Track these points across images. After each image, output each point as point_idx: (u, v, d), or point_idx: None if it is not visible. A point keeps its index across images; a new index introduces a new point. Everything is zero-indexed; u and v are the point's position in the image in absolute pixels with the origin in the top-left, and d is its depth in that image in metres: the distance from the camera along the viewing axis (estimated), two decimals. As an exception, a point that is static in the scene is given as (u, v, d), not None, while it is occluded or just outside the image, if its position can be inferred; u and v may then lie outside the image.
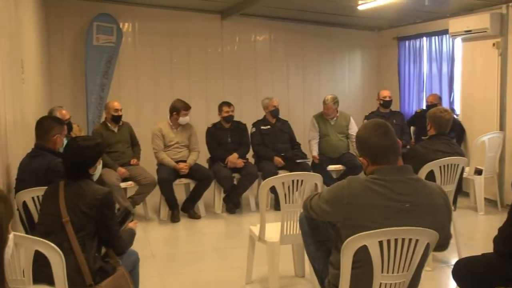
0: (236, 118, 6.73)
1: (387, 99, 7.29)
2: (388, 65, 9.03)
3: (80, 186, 2.90)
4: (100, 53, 7.47)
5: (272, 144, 6.76)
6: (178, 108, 6.27)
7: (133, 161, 6.23)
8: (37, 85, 5.89)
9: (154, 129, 6.37)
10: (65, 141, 3.79)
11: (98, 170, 3.16)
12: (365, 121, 7.14)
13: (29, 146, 4.07)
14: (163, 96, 7.88)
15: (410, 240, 2.38)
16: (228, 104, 6.63)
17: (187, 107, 6.30)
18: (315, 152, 6.94)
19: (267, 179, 4.00)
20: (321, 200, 2.62)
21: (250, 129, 6.85)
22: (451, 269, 3.10)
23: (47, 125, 3.78)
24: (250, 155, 6.87)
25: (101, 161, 3.17)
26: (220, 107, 6.63)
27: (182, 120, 6.30)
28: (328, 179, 6.30)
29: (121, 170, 5.97)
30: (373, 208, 2.40)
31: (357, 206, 2.42)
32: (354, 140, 6.80)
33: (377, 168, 2.49)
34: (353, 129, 6.98)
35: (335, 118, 7.01)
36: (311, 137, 7.07)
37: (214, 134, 6.62)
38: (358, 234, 2.36)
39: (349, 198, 2.43)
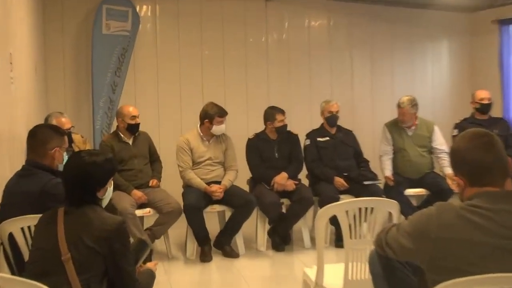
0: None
1: (486, 102, 7.17)
2: (485, 57, 8.90)
3: (85, 214, 2.91)
4: (111, 45, 7.57)
5: (331, 160, 6.73)
6: (211, 114, 6.29)
7: (153, 182, 6.28)
8: (30, 85, 5.97)
9: (180, 141, 6.40)
10: (65, 157, 3.81)
11: (108, 193, 3.17)
12: (455, 130, 7.10)
13: (18, 162, 4.10)
14: (191, 98, 7.98)
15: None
16: (281, 110, 6.66)
17: (222, 113, 6.32)
18: (389, 172, 6.87)
19: (325, 207, 3.95)
20: (400, 234, 2.57)
21: (303, 141, 6.86)
22: None
23: (43, 136, 3.79)
24: (303, 175, 6.87)
25: (112, 182, 3.19)
26: (271, 114, 6.65)
27: (217, 129, 6.32)
28: (406, 207, 6.20)
29: (137, 193, 6.00)
30: (471, 246, 2.33)
31: (449, 243, 2.36)
32: (440, 155, 6.85)
33: (477, 192, 2.43)
34: (438, 141, 6.91)
35: (413, 127, 6.93)
36: (382, 151, 7.01)
37: (257, 148, 6.64)
38: (451, 281, 2.29)
39: (438, 232, 2.38)
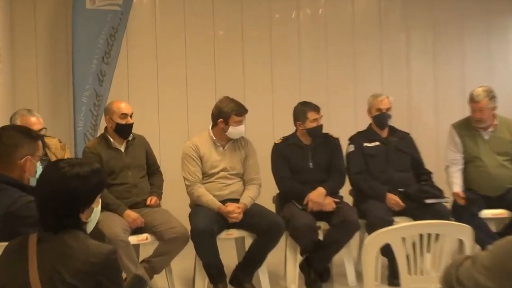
0: (323, 129, 6.77)
1: None
2: None
3: (65, 242, 2.90)
4: (97, 23, 7.59)
5: (382, 172, 6.74)
6: (227, 112, 6.29)
7: (151, 199, 6.29)
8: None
9: (187, 147, 6.41)
10: (39, 168, 3.81)
11: (94, 215, 3.18)
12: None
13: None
14: (201, 92, 8.07)
15: None
16: (315, 107, 6.66)
17: (241, 111, 6.33)
18: (458, 187, 6.83)
19: (375, 232, 3.95)
20: (477, 269, 2.53)
21: (345, 147, 6.87)
22: None
23: (10, 140, 3.80)
24: (345, 190, 6.90)
25: (99, 201, 3.19)
26: (303, 112, 6.66)
27: (234, 131, 6.32)
28: (482, 233, 6.15)
29: (131, 215, 6.00)
30: None
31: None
32: None
33: None
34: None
35: (491, 129, 6.89)
36: (449, 161, 7.00)
37: (286, 155, 6.66)
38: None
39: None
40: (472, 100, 6.78)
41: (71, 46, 7.54)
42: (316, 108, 6.64)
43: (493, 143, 6.85)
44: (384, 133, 6.85)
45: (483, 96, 6.73)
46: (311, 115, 6.59)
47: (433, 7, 8.92)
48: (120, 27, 7.73)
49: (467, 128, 6.91)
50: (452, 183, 6.87)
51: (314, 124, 6.59)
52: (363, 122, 7.05)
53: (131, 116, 6.23)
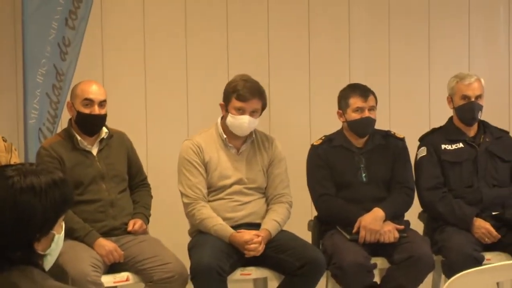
0: (381, 125, 6.79)
1: None
2: None
3: (12, 285, 2.87)
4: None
5: (469, 187, 6.72)
6: (228, 93, 6.32)
7: (135, 223, 6.26)
8: None
9: (186, 148, 6.41)
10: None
11: (56, 245, 3.13)
12: None
13: None
14: (207, 76, 8.01)
15: None
16: (362, 90, 6.64)
17: (248, 93, 6.27)
18: None
19: (459, 274, 3.86)
20: None
21: (414, 150, 6.87)
22: None
23: None
24: (413, 213, 6.86)
25: (62, 225, 3.14)
26: (344, 97, 6.66)
27: (233, 122, 6.31)
28: None
29: (106, 245, 5.98)
30: None
31: None
32: None
33: None
34: None
35: None
36: None
37: (329, 163, 6.65)
38: None
39: None
40: None
41: (22, 9, 7.48)
42: (364, 93, 6.61)
43: None
44: (472, 131, 6.84)
45: None
46: (356, 101, 6.57)
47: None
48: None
49: None
50: None
51: (358, 116, 6.55)
52: (440, 116, 7.05)
53: (101, 104, 6.17)
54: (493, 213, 6.58)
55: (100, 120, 6.16)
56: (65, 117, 6.78)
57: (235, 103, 6.24)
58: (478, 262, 5.96)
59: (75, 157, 6.14)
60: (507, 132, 6.97)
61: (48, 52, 7.41)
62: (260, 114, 6.32)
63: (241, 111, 6.23)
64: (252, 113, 6.26)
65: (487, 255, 6.28)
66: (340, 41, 8.51)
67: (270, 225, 6.24)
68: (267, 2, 8.32)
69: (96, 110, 6.11)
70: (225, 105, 6.29)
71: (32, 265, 2.94)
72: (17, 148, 6.80)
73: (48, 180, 3.02)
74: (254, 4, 8.32)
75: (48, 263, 3.08)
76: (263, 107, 6.34)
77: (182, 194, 6.32)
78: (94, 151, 6.21)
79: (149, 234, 6.31)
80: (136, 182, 6.46)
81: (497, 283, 3.79)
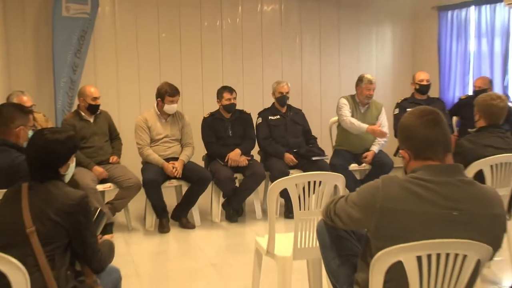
0: (238, 107, 6.74)
1: (425, 83, 7.26)
2: (425, 41, 9.01)
3: (48, 189, 2.87)
4: (71, 27, 7.41)
5: (282, 138, 6.76)
6: (162, 93, 6.27)
7: (113, 158, 6.23)
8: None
9: (138, 120, 6.35)
10: (30, 134, 3.75)
11: (70, 169, 3.12)
12: (397, 110, 7.17)
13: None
14: (149, 79, 7.93)
15: (456, 255, 2.33)
16: (229, 89, 6.63)
17: (173, 92, 6.27)
18: (364, 125, 6.76)
19: (276, 181, 3.94)
20: (348, 204, 2.60)
21: (255, 119, 6.87)
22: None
23: (7, 114, 3.74)
24: (255, 152, 6.90)
25: (74, 159, 3.14)
26: (220, 93, 6.63)
27: (168, 108, 6.29)
28: (351, 181, 6.28)
29: (98, 169, 5.96)
30: (412, 216, 2.37)
31: (393, 212, 2.39)
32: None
33: (421, 166, 2.47)
34: (383, 121, 6.96)
35: (367, 105, 6.98)
36: (346, 115, 6.83)
37: (212, 126, 6.62)
38: (392, 247, 2.33)
39: (383, 202, 2.41)
40: (364, 81, 6.80)
41: (51, 44, 7.37)
42: (230, 90, 6.60)
43: (366, 116, 6.91)
44: (283, 110, 6.86)
45: (375, 81, 6.83)
46: (226, 95, 6.56)
47: (319, 17, 8.94)
48: (89, 30, 7.56)
49: (353, 102, 6.89)
50: (359, 125, 6.73)
51: (228, 102, 6.55)
52: (269, 101, 7.05)
53: (99, 99, 6.15)
54: (294, 151, 6.63)
55: (99, 106, 6.15)
56: (75, 104, 6.71)
57: (168, 98, 6.21)
58: (286, 174, 6.03)
59: (81, 124, 6.09)
60: (301, 110, 6.99)
61: (66, 70, 7.45)
62: (176, 102, 6.31)
63: (172, 102, 6.23)
64: (175, 102, 6.27)
65: (291, 171, 6.34)
66: (217, 63, 8.49)
67: (183, 158, 6.25)
68: (180, 45, 8.29)
69: (98, 102, 6.14)
70: (161, 100, 6.22)
71: (58, 180, 2.95)
72: (51, 119, 6.76)
73: (65, 135, 3.03)
74: (173, 44, 8.29)
75: (66, 179, 3.07)
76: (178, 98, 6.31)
77: (137, 143, 6.28)
78: (91, 120, 6.15)
79: (120, 164, 6.28)
80: (113, 136, 6.39)
81: (296, 184, 3.81)
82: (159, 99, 6.28)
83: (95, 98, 6.13)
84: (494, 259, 4.48)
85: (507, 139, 4.42)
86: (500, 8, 7.39)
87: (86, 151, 6.02)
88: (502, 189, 4.29)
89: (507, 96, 7.09)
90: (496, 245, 2.42)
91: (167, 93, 6.24)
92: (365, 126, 6.68)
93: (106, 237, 3.38)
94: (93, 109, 6.16)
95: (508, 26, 7.36)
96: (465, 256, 2.34)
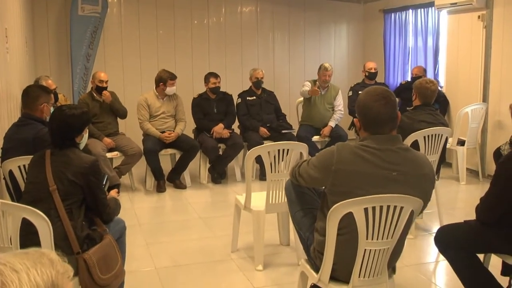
0: (222, 89, 6.69)
1: (373, 71, 7.28)
2: (373, 38, 9.01)
3: (67, 155, 2.87)
4: (85, 24, 7.31)
5: (257, 115, 6.74)
6: (165, 79, 6.21)
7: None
8: (22, 54, 5.78)
9: (140, 99, 6.30)
10: (52, 110, 3.73)
11: (84, 139, 3.12)
12: (350, 92, 7.20)
13: (13, 115, 4.00)
14: (148, 66, 7.87)
15: (395, 207, 2.39)
16: (215, 75, 6.57)
17: (173, 77, 6.24)
18: (306, 88, 6.76)
19: (252, 149, 3.97)
20: (309, 166, 2.61)
21: (236, 99, 6.83)
22: (433, 237, 3.12)
23: (34, 93, 3.72)
24: (235, 126, 6.87)
25: (87, 130, 3.13)
26: (207, 78, 6.57)
27: (169, 90, 6.25)
28: (313, 150, 6.27)
29: (107, 140, 5.92)
30: (361, 175, 2.40)
31: (345, 173, 2.42)
32: (339, 114, 6.81)
33: (368, 135, 2.48)
34: (339, 101, 6.96)
35: (326, 88, 6.95)
36: (304, 88, 6.80)
37: (200, 105, 6.57)
38: (345, 201, 2.37)
39: (337, 164, 2.42)
40: (324, 69, 6.78)
41: (69, 37, 7.29)
42: (216, 76, 6.53)
43: (325, 97, 6.91)
44: (259, 92, 6.82)
45: (331, 68, 6.82)
46: (212, 79, 6.49)
47: (288, 18, 8.91)
48: (99, 27, 7.44)
49: (313, 85, 6.82)
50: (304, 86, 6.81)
51: (213, 86, 6.49)
52: (247, 85, 7.02)
53: (106, 82, 6.07)
54: (267, 125, 6.63)
55: (105, 88, 6.05)
56: (89, 87, 6.63)
57: (170, 82, 6.16)
58: (261, 144, 6.00)
59: (93, 103, 6.03)
60: (273, 92, 6.96)
61: (81, 59, 7.35)
62: (175, 85, 6.26)
63: (172, 84, 6.18)
64: (174, 85, 6.23)
65: (265, 142, 6.23)
66: (204, 56, 8.45)
67: (178, 131, 6.21)
68: (174, 41, 8.23)
69: (105, 85, 6.06)
70: (164, 84, 6.15)
71: (74, 147, 2.95)
72: (69, 99, 6.70)
73: (80, 111, 3.02)
74: (169, 40, 8.21)
75: (81, 147, 3.05)
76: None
77: (138, 118, 6.22)
78: (101, 100, 6.09)
79: (125, 135, 6.25)
80: (120, 113, 6.30)
81: (268, 152, 3.81)
82: (161, 83, 6.21)
83: (102, 81, 6.04)
84: (425, 212, 4.60)
85: (437, 116, 4.52)
86: (432, 12, 7.45)
87: (97, 125, 5.97)
88: (432, 155, 4.38)
89: (438, 81, 7.15)
90: (426, 198, 2.48)
91: (169, 77, 6.20)
92: (307, 89, 6.73)
93: (112, 193, 3.39)
94: (98, 90, 6.08)
95: (438, 26, 7.44)
96: (401, 208, 2.40)
